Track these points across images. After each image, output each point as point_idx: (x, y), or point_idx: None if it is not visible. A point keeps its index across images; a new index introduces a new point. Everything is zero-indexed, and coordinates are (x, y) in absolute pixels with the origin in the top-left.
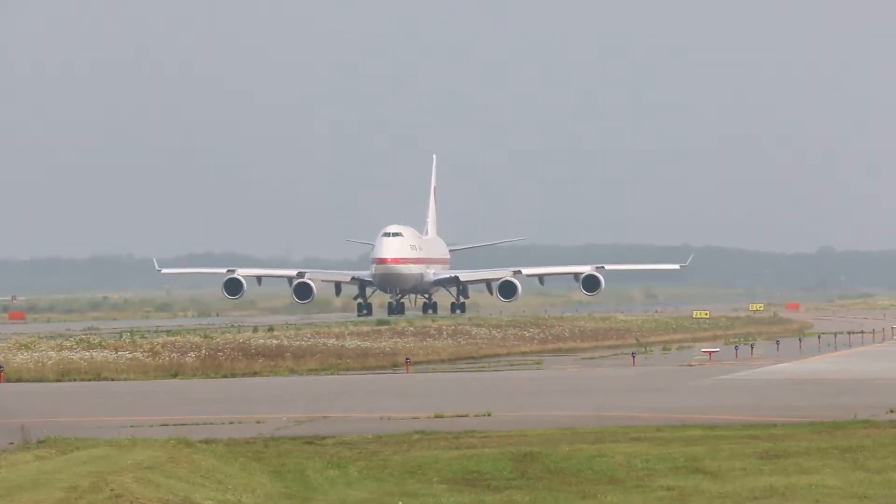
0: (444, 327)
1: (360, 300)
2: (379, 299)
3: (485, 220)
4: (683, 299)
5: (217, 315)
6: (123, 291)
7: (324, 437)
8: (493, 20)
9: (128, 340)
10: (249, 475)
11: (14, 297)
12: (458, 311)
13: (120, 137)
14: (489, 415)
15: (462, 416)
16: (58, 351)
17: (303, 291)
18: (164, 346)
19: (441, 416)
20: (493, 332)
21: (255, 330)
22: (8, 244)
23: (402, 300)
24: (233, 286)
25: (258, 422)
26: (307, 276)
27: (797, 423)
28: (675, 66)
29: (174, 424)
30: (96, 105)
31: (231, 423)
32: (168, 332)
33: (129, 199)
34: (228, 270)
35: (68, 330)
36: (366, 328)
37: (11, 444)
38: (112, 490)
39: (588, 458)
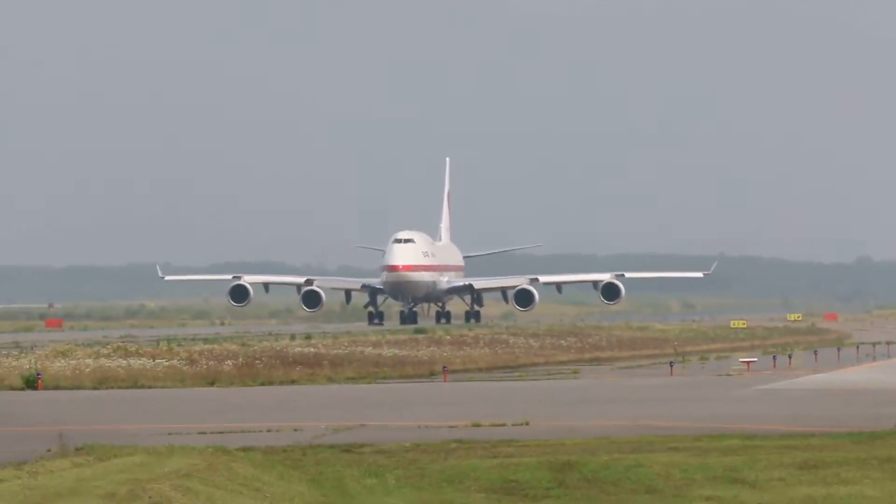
0: (481, 336)
1: (371, 309)
2: (391, 308)
3: (504, 227)
4: (721, 309)
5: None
6: (160, 299)
7: (362, 446)
8: (511, 23)
9: (165, 348)
10: (287, 483)
11: (51, 305)
12: (472, 321)
13: (155, 144)
14: (527, 424)
15: (500, 425)
16: (95, 358)
17: (311, 299)
18: (201, 353)
19: (479, 425)
20: (531, 341)
21: (293, 338)
22: (44, 252)
23: (414, 309)
24: (239, 293)
25: (296, 430)
26: (316, 283)
27: (836, 434)
28: (705, 72)
29: (212, 432)
30: (132, 114)
31: (269, 430)
32: (205, 340)
33: (165, 207)
34: (234, 277)
35: (105, 337)
36: (403, 336)
37: (49, 451)
38: (150, 498)
39: (626, 468)
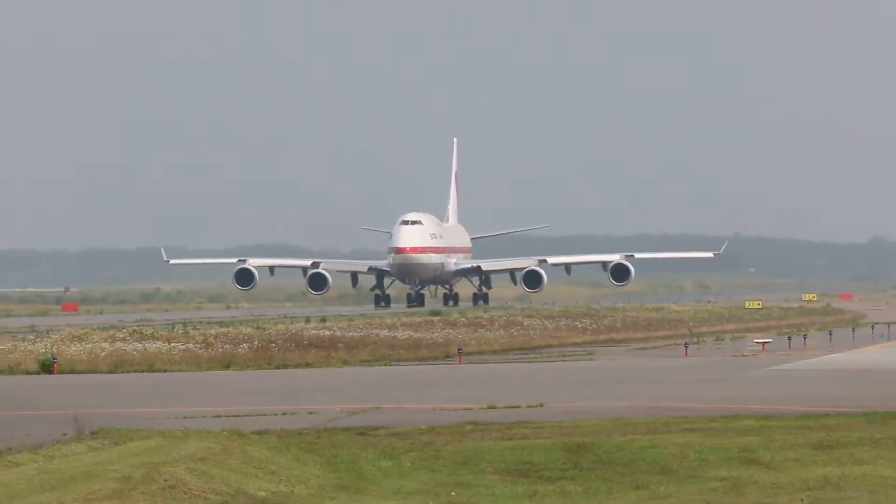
0: (496, 318)
1: (377, 291)
2: (398, 290)
3: (515, 207)
4: (735, 290)
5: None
6: (176, 282)
7: (376, 428)
8: (518, 5)
9: (180, 332)
10: (302, 466)
11: (67, 289)
12: (480, 303)
13: (170, 128)
14: (542, 405)
15: (514, 406)
16: (111, 342)
17: (317, 282)
18: (216, 337)
19: (493, 407)
20: (546, 322)
21: (308, 321)
22: (60, 236)
23: (421, 291)
24: (244, 277)
25: (311, 413)
26: (322, 266)
27: (851, 414)
28: (717, 51)
29: (227, 416)
30: (148, 97)
31: (284, 414)
32: (221, 324)
33: (181, 190)
34: (239, 260)
35: (121, 321)
36: (418, 319)
37: (65, 435)
38: (165, 481)
39: (641, 449)
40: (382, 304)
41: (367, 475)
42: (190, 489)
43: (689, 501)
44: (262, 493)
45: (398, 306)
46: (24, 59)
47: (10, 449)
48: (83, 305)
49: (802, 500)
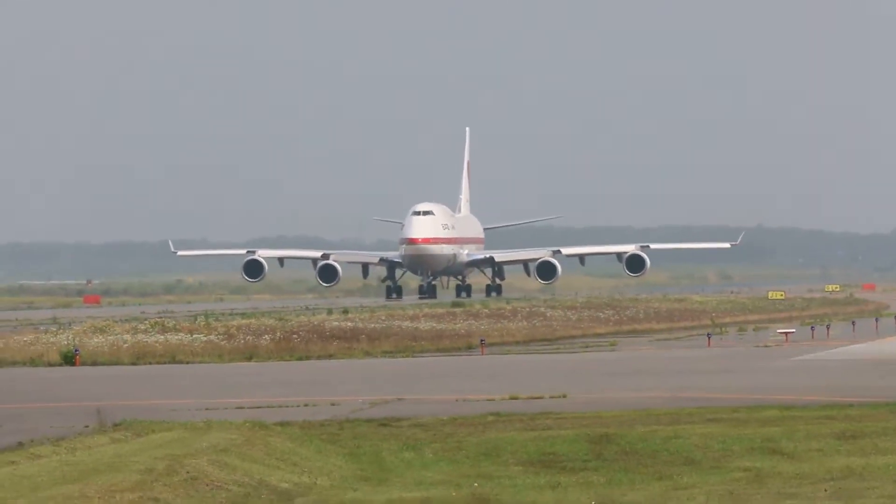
0: (518, 309)
1: (389, 283)
2: (410, 281)
3: (534, 199)
4: (758, 280)
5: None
6: (197, 274)
7: (399, 419)
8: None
9: (202, 323)
10: (325, 457)
11: (89, 281)
12: (493, 294)
13: (193, 123)
14: (564, 396)
15: (537, 397)
16: (133, 334)
17: (327, 274)
18: (238, 328)
19: (516, 398)
20: (568, 313)
21: (330, 312)
22: (81, 229)
23: (433, 282)
24: (252, 268)
25: (333, 404)
26: (332, 257)
27: (874, 404)
28: (733, 38)
29: (249, 407)
30: (169, 90)
31: (306, 405)
32: (243, 315)
33: (204, 183)
34: (248, 251)
35: (143, 313)
36: (440, 310)
37: (87, 427)
38: (188, 472)
39: (664, 440)
40: (394, 295)
41: (389, 466)
42: (212, 481)
43: (712, 492)
44: (285, 485)
45: (410, 298)
46: (31, 57)
47: (32, 441)
48: (105, 297)
49: (826, 491)
